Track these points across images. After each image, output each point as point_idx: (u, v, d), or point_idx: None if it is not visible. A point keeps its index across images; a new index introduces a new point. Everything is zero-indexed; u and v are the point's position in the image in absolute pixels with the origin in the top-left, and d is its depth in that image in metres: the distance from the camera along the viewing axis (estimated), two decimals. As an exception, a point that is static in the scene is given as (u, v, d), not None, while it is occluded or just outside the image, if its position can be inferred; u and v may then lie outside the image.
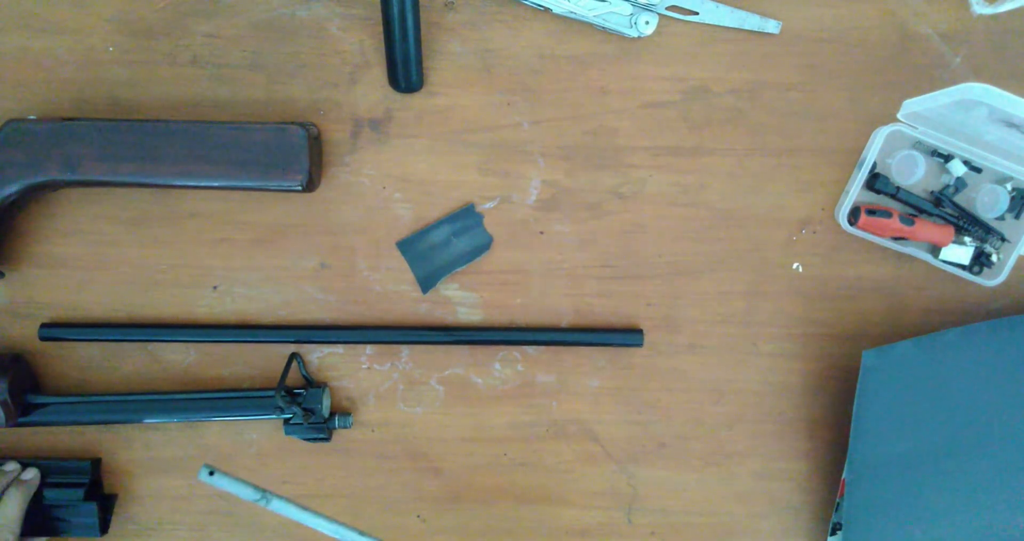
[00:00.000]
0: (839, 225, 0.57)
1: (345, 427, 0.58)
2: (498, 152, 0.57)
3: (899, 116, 0.55)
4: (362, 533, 0.43)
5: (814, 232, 0.58)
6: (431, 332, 0.57)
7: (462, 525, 0.61)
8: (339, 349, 0.59)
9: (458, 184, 0.57)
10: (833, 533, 0.59)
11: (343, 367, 0.59)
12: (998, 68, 0.56)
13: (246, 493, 0.42)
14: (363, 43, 0.55)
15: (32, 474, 0.56)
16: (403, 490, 0.61)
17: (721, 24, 0.55)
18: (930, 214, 0.57)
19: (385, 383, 0.59)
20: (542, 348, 0.59)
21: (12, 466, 0.56)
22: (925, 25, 0.55)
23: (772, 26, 0.55)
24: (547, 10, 0.54)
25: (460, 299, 0.58)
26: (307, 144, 0.52)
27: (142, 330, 0.57)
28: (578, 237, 0.58)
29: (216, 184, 0.52)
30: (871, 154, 0.55)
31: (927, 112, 0.53)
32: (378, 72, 0.55)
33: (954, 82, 0.55)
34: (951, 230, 0.56)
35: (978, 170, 0.56)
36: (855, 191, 0.56)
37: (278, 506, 0.42)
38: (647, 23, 0.54)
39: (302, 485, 0.60)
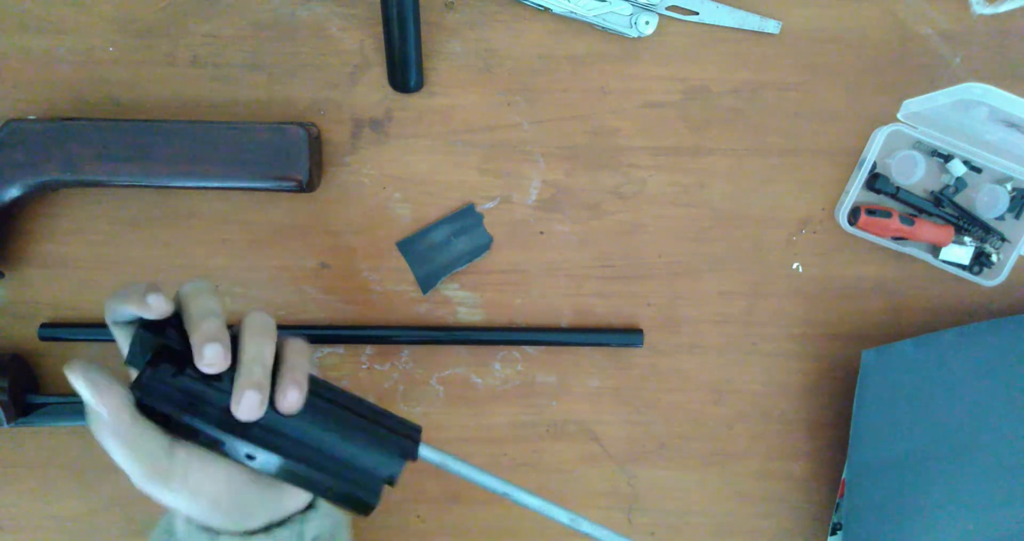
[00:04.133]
0: (839, 225, 0.57)
1: (345, 427, 0.58)
2: (498, 152, 0.57)
3: (899, 116, 0.55)
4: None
5: (814, 232, 0.58)
6: (431, 332, 0.57)
7: (462, 525, 0.61)
8: (339, 349, 0.59)
9: (458, 184, 0.57)
10: (833, 533, 0.59)
11: (343, 367, 0.59)
12: (998, 68, 0.56)
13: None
14: (363, 43, 0.55)
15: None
16: (403, 490, 0.61)
17: (721, 24, 0.55)
18: (930, 214, 0.57)
19: (385, 383, 0.59)
20: (542, 348, 0.59)
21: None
22: (925, 25, 0.55)
23: (772, 26, 0.55)
24: (547, 10, 0.54)
25: (460, 299, 0.58)
26: (307, 144, 0.52)
27: (142, 330, 0.57)
28: (578, 237, 0.58)
29: (216, 184, 0.52)
30: (871, 154, 0.55)
31: (927, 112, 0.53)
32: (378, 72, 0.55)
33: (954, 82, 0.55)
34: (951, 230, 0.56)
35: (978, 170, 0.56)
36: (855, 191, 0.56)
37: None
38: (647, 23, 0.54)
39: (302, 485, 0.60)
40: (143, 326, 0.36)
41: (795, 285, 0.58)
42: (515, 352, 0.59)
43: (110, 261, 0.57)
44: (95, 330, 0.57)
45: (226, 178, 0.52)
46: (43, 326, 0.57)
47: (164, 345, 0.36)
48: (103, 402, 0.35)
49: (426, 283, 0.58)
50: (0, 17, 0.54)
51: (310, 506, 0.43)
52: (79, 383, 0.35)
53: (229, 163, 0.52)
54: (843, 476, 0.58)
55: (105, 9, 0.54)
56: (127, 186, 0.53)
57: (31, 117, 0.52)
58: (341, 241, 0.57)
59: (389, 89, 0.55)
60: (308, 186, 0.53)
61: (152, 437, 0.36)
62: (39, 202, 0.56)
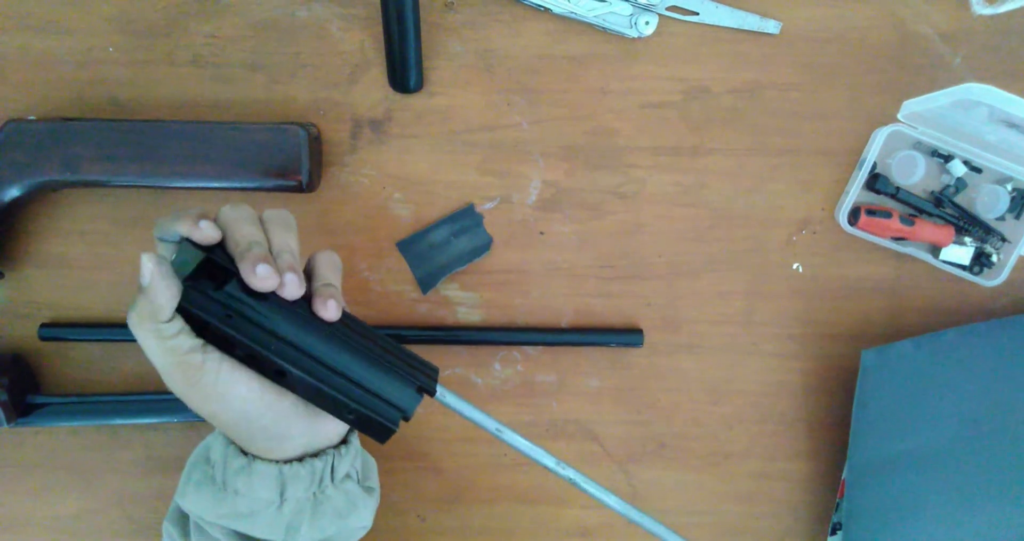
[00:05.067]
0: (839, 225, 0.57)
1: (345, 427, 0.58)
2: (498, 152, 0.57)
3: (899, 116, 0.55)
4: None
5: (814, 232, 0.58)
6: (431, 332, 0.57)
7: (462, 525, 0.61)
8: (339, 349, 0.59)
9: (458, 184, 0.57)
10: (833, 533, 0.59)
11: (343, 367, 0.59)
12: (998, 68, 0.56)
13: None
14: (363, 43, 0.55)
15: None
16: (403, 490, 0.61)
17: (721, 24, 0.55)
18: (930, 214, 0.57)
19: (385, 383, 0.59)
20: (542, 348, 0.59)
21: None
22: (925, 25, 0.55)
23: (772, 26, 0.55)
24: (547, 10, 0.54)
25: (460, 299, 0.58)
26: (307, 144, 0.52)
27: (142, 330, 0.57)
28: (578, 237, 0.58)
29: (216, 184, 0.52)
30: (871, 154, 0.55)
31: (927, 112, 0.53)
32: (378, 72, 0.55)
33: (954, 82, 0.55)
34: (951, 230, 0.56)
35: (978, 170, 0.56)
36: (855, 191, 0.56)
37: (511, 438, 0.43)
38: (647, 23, 0.54)
39: (302, 485, 0.60)
40: (188, 240, 0.38)
41: (795, 285, 0.58)
42: (515, 352, 0.59)
43: (110, 261, 0.57)
44: (95, 330, 0.57)
45: (226, 178, 0.52)
46: (43, 326, 0.57)
47: (208, 259, 0.38)
48: (161, 283, 0.37)
49: (426, 283, 0.58)
50: (0, 17, 0.54)
51: (343, 442, 0.44)
52: (149, 261, 0.37)
53: (229, 163, 0.52)
54: (843, 476, 0.58)
55: (105, 9, 0.54)
56: (127, 186, 0.53)
57: (31, 117, 0.52)
58: (341, 241, 0.57)
59: (389, 89, 0.55)
60: (308, 186, 0.53)
61: (187, 334, 0.38)
62: (39, 202, 0.56)
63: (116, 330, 0.57)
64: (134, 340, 0.57)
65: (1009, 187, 0.56)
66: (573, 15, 0.54)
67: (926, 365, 0.54)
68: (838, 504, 0.58)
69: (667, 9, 0.54)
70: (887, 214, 0.55)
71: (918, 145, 0.56)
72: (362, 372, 0.40)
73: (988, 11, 0.55)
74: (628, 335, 0.58)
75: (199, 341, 0.38)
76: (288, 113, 0.56)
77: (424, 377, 0.42)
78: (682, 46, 0.55)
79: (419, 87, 0.55)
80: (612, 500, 0.43)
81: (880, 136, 0.55)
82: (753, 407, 0.60)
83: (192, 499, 0.42)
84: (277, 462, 0.41)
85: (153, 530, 0.60)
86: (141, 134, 0.51)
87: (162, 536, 0.46)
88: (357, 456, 0.45)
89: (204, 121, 0.52)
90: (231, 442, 0.42)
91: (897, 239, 0.56)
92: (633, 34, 0.54)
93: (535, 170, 0.57)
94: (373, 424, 0.40)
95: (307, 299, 0.40)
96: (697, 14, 0.54)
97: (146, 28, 0.55)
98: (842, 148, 0.57)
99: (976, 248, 0.56)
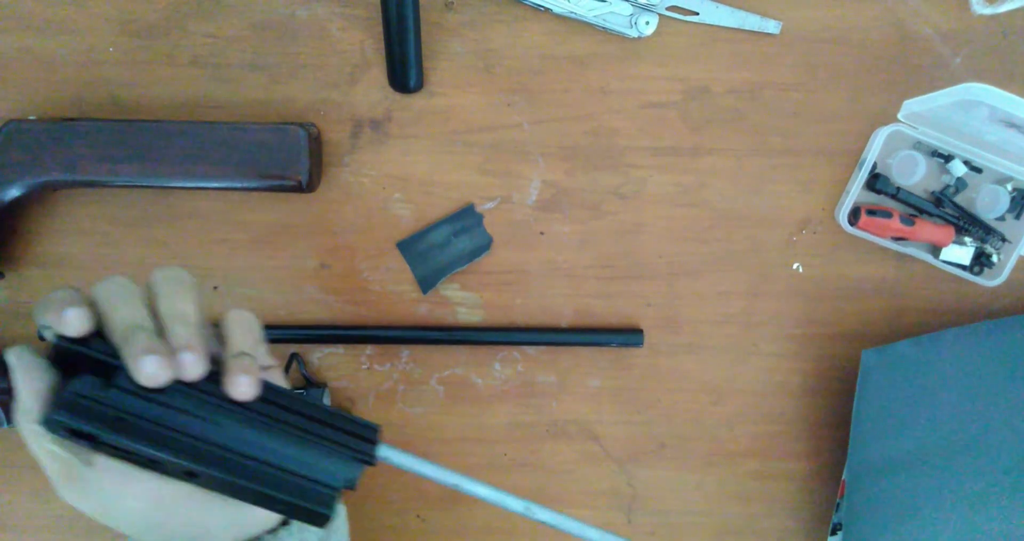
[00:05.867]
0: (839, 225, 0.57)
1: (345, 427, 0.57)
2: (498, 152, 0.57)
3: (899, 116, 0.55)
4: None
5: (814, 232, 0.58)
6: (431, 332, 0.57)
7: (462, 525, 0.61)
8: (339, 349, 0.59)
9: (458, 184, 0.57)
10: (833, 533, 0.59)
11: (343, 367, 0.59)
12: (998, 68, 0.56)
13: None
14: (363, 43, 0.55)
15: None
16: (403, 490, 0.61)
17: (721, 24, 0.55)
18: (930, 214, 0.57)
19: (385, 383, 0.59)
20: (542, 348, 0.59)
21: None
22: (925, 25, 0.55)
23: (772, 26, 0.55)
24: (547, 10, 0.54)
25: (460, 299, 0.58)
26: (307, 144, 0.52)
27: (142, 330, 0.57)
28: (578, 237, 0.58)
29: (216, 184, 0.52)
30: (871, 154, 0.55)
31: (927, 112, 0.53)
32: (378, 72, 0.55)
33: (954, 82, 0.55)
34: (951, 230, 0.56)
35: (978, 170, 0.56)
36: (855, 191, 0.56)
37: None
38: (647, 23, 0.54)
39: (302, 485, 0.60)
40: (62, 336, 0.33)
41: (795, 285, 0.58)
42: (515, 352, 0.59)
43: (110, 261, 0.57)
44: (95, 330, 0.57)
45: (226, 178, 0.52)
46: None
47: (83, 356, 0.32)
48: (28, 388, 0.32)
49: (426, 283, 0.58)
50: (0, 17, 0.54)
51: (285, 522, 0.39)
52: (10, 362, 0.32)
53: (229, 163, 0.52)
54: (843, 476, 0.58)
55: (105, 9, 0.54)
56: (127, 186, 0.53)
57: (31, 117, 0.52)
58: (341, 241, 0.57)
59: (389, 89, 0.55)
60: (308, 186, 0.53)
61: (68, 441, 0.32)
62: (39, 202, 0.56)
63: (116, 330, 0.57)
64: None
65: (1009, 187, 0.56)
66: (573, 15, 0.54)
67: (926, 365, 0.54)
68: (838, 504, 0.58)
69: (667, 9, 0.54)
70: (887, 214, 0.55)
71: (918, 145, 0.56)
72: (288, 454, 0.34)
73: (988, 11, 0.55)
74: (628, 335, 0.58)
75: (81, 446, 0.32)
76: (288, 113, 0.56)
77: (362, 442, 0.36)
78: (682, 46, 0.55)
79: (419, 87, 0.55)
80: (594, 534, 0.38)
81: (880, 136, 0.55)
82: (753, 407, 0.60)
83: None
84: None
85: (153, 530, 0.60)
86: (141, 134, 0.51)
87: None
88: (304, 530, 0.39)
89: (204, 121, 0.52)
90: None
91: (897, 239, 0.56)
92: (633, 34, 0.54)
93: (535, 170, 0.57)
94: (305, 511, 0.35)
95: (216, 372, 0.34)
96: (697, 14, 0.54)
97: (146, 28, 0.55)
98: (842, 148, 0.57)
99: (976, 248, 0.56)
